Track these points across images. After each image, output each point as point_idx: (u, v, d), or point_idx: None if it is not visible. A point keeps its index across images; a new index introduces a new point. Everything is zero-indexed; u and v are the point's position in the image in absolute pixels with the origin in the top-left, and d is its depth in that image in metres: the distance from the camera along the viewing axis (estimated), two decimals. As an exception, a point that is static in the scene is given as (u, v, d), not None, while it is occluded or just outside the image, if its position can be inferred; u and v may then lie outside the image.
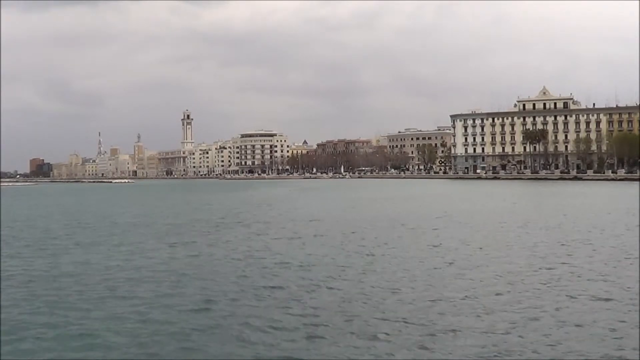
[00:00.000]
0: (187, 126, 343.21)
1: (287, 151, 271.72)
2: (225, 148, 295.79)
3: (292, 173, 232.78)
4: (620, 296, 14.49)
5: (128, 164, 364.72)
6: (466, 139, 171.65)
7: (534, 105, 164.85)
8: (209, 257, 21.78)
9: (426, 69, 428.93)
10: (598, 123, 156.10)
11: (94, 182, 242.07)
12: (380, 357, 10.39)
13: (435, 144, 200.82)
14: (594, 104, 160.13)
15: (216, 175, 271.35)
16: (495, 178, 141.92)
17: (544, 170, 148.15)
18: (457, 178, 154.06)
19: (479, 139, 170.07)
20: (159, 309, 13.74)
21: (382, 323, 12.30)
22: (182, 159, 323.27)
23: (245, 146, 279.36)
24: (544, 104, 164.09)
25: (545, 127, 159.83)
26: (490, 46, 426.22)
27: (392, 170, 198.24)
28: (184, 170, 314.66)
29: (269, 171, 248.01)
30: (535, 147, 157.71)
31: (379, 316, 12.89)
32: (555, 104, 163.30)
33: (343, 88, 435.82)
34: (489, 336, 11.33)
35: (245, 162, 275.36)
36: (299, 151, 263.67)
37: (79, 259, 21.48)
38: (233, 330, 12.05)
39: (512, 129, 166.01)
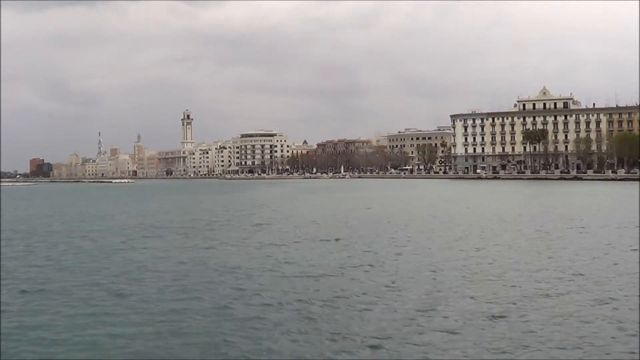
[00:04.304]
0: (187, 126, 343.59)
1: (287, 151, 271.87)
2: (225, 148, 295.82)
3: (292, 173, 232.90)
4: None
5: (128, 164, 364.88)
6: (466, 139, 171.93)
7: (534, 105, 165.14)
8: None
9: (426, 69, 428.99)
10: (598, 123, 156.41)
11: (94, 182, 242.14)
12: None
13: (435, 144, 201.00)
14: (594, 104, 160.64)
15: (216, 175, 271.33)
16: (495, 178, 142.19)
17: (543, 170, 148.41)
18: (457, 178, 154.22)
19: (479, 139, 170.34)
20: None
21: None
22: (182, 159, 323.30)
23: (245, 146, 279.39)
24: (544, 104, 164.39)
25: (545, 127, 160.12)
26: (490, 46, 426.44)
27: (392, 170, 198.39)
28: (184, 170, 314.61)
29: (269, 171, 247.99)
30: (535, 147, 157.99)
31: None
32: (555, 104, 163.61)
33: (342, 88, 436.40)
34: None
35: (245, 162, 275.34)
36: (299, 151, 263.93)
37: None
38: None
39: (512, 129, 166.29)
